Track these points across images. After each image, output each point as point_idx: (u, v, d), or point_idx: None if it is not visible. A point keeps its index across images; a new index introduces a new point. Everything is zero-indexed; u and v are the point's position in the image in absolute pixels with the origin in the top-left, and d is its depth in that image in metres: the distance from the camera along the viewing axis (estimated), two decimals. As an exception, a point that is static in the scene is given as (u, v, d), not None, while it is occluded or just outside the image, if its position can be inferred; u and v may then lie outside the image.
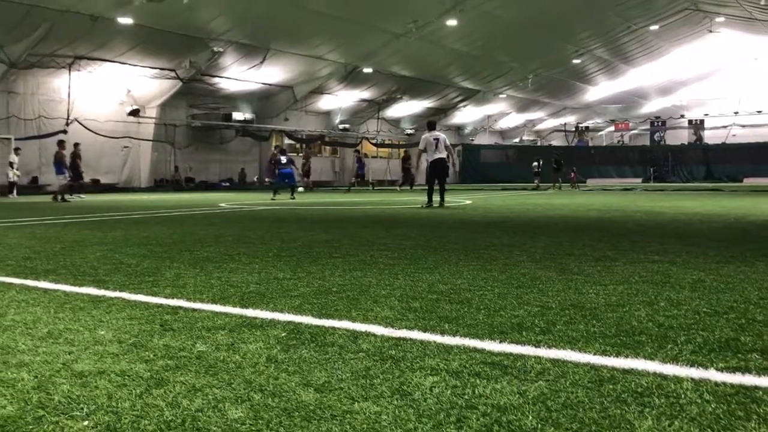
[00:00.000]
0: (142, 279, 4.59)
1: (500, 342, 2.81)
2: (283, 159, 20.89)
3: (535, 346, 2.74)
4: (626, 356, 2.59)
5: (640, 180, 45.05)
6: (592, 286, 4.17)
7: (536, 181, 33.41)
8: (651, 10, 34.30)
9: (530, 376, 2.34)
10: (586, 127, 58.54)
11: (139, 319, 3.31)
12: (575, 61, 41.05)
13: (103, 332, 3.04)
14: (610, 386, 2.23)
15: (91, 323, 3.23)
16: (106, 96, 28.99)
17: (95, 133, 27.72)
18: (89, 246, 6.74)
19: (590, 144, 57.48)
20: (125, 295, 3.99)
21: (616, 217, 11.13)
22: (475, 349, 2.69)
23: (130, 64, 27.47)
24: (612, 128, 58.43)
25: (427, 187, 15.40)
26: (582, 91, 49.91)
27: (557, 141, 58.92)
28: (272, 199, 18.64)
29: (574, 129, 57.84)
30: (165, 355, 2.65)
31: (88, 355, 2.66)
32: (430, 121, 16.64)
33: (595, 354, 2.62)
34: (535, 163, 34.79)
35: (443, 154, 14.89)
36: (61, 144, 21.29)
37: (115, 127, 29.34)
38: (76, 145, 21.93)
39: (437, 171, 15.04)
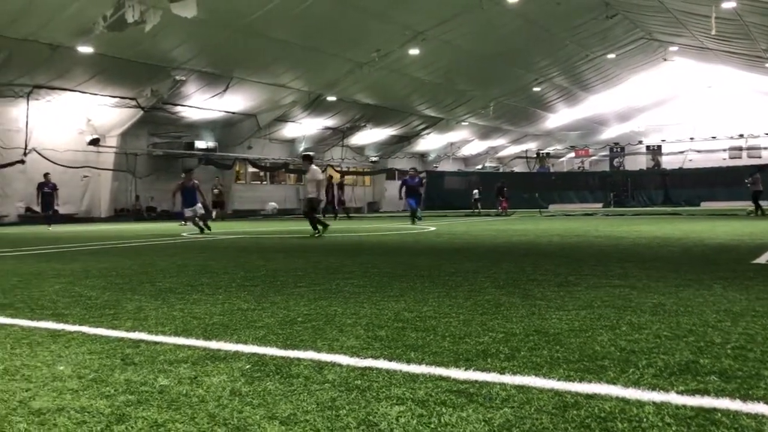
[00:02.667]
0: (102, 312, 4.50)
1: (466, 369, 2.82)
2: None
3: (500, 373, 2.76)
4: (589, 381, 2.62)
5: (600, 205, 45.79)
6: (555, 312, 4.22)
7: (477, 208, 35.84)
8: (607, 40, 35.22)
9: (495, 404, 2.35)
10: (547, 154, 59.51)
11: (100, 354, 3.24)
12: (535, 89, 41.86)
13: (62, 367, 2.97)
14: (574, 412, 2.25)
15: (49, 358, 3.16)
16: (65, 125, 28.55)
17: (54, 162, 27.21)
18: (47, 279, 6.59)
19: (551, 170, 58.41)
20: (85, 328, 3.91)
21: (578, 242, 11.29)
22: (441, 377, 2.70)
23: (90, 93, 27.13)
24: (572, 154, 59.50)
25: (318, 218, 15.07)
26: (542, 118, 50.84)
27: (519, 167, 59.74)
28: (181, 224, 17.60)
29: (535, 155, 58.74)
30: (126, 390, 2.60)
31: (47, 391, 2.60)
32: (305, 154, 15.83)
33: (559, 380, 2.65)
34: (476, 191, 37.84)
35: (315, 191, 14.66)
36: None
37: (75, 156, 28.86)
38: (45, 175, 22.06)
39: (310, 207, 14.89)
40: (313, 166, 15.03)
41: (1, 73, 23.45)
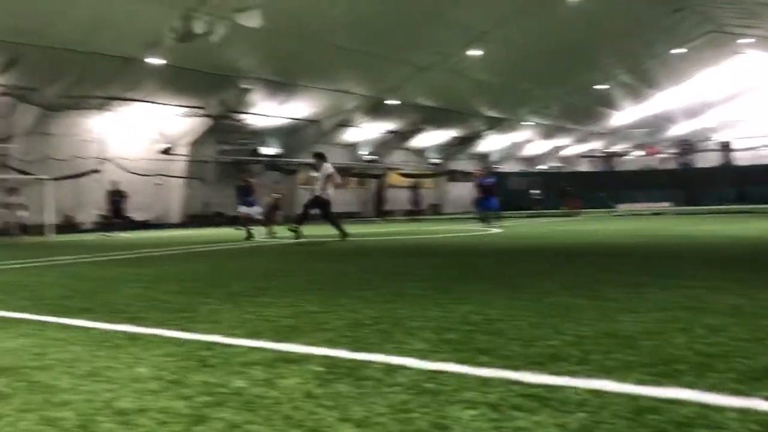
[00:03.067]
0: (177, 315, 4.65)
1: (537, 373, 2.79)
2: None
3: (573, 377, 2.71)
4: (666, 385, 2.55)
5: (670, 204, 44.49)
6: (626, 314, 4.12)
7: (537, 208, 35.93)
8: (674, 34, 34.24)
9: (570, 408, 2.32)
10: (613, 152, 58.19)
11: (177, 356, 3.35)
12: (599, 87, 41.00)
13: (141, 369, 3.08)
14: (651, 416, 2.20)
15: (129, 361, 3.28)
16: (138, 135, 29.61)
17: (128, 171, 28.27)
18: (124, 283, 6.84)
19: (618, 169, 57.06)
20: (162, 331, 4.04)
21: (648, 242, 11.00)
22: (513, 381, 2.68)
23: (161, 103, 28.10)
24: (639, 152, 57.97)
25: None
26: (607, 116, 49.76)
27: (584, 166, 58.63)
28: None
29: (600, 154, 57.51)
30: (204, 391, 2.68)
31: (128, 392, 2.70)
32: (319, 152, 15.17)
33: (633, 383, 2.59)
34: (535, 191, 38.13)
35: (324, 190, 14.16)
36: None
37: (147, 165, 29.91)
38: (114, 183, 23.16)
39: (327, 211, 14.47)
40: (326, 164, 14.27)
41: (76, 87, 24.50)
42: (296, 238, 13.89)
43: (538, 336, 3.55)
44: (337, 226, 14.05)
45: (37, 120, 25.50)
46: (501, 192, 21.23)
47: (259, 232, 17.00)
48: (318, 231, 17.33)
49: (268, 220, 19.06)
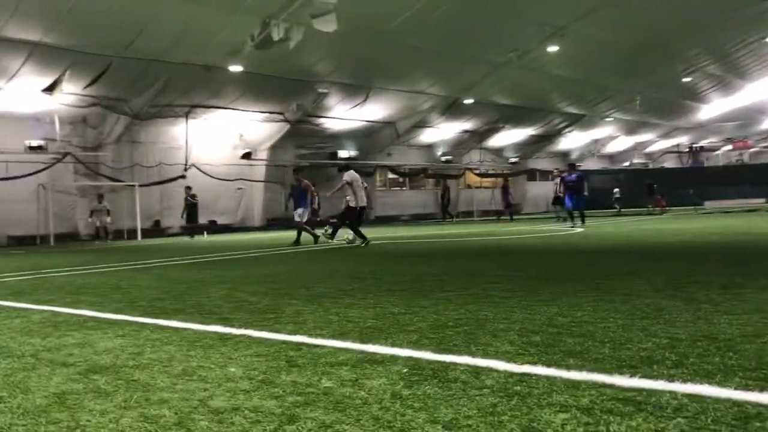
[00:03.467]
0: (264, 316, 4.76)
1: (630, 377, 2.71)
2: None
3: (669, 381, 2.62)
4: (771, 391, 2.42)
5: (763, 200, 42.31)
6: (723, 316, 3.95)
7: (617, 207, 34.65)
8: (766, 22, 32.53)
9: (667, 413, 2.24)
10: (701, 147, 55.86)
11: (266, 356, 3.42)
12: (685, 80, 39.39)
13: (233, 369, 3.17)
14: (758, 424, 2.09)
15: (221, 360, 3.38)
16: (220, 141, 30.50)
17: (211, 176, 29.18)
18: (212, 285, 7.06)
19: (706, 164, 54.74)
20: (250, 332, 4.14)
21: (741, 240, 10.50)
22: (604, 385, 2.61)
23: (241, 110, 28.85)
24: (729, 147, 55.46)
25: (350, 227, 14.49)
26: (694, 110, 47.77)
27: (670, 163, 56.53)
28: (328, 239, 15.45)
29: (687, 150, 55.34)
30: (293, 391, 2.73)
31: (222, 391, 2.78)
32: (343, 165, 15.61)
33: (736, 389, 2.47)
34: (616, 189, 36.62)
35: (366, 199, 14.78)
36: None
37: (229, 170, 30.77)
38: (187, 188, 23.87)
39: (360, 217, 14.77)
40: (352, 172, 14.39)
41: (162, 96, 25.46)
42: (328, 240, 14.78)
43: (629, 339, 3.44)
44: (336, 229, 14.94)
45: (126, 129, 26.67)
46: (586, 189, 20.03)
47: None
48: (400, 233, 17.38)
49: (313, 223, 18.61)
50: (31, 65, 21.22)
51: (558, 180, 25.22)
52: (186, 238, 22.00)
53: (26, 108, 23.69)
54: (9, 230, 24.59)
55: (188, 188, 24.60)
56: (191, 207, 23.73)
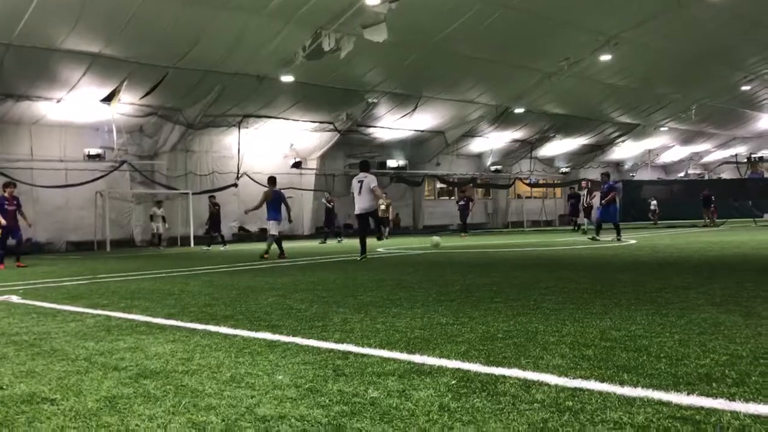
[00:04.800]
0: (312, 324, 4.76)
1: (688, 394, 2.60)
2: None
3: (730, 400, 2.51)
4: (841, 414, 2.30)
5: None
6: (787, 333, 3.78)
7: (654, 219, 35.71)
8: (831, 27, 31.35)
9: (728, 434, 2.14)
10: (760, 158, 54.07)
11: (313, 364, 3.42)
12: (744, 88, 38.22)
13: (280, 377, 3.17)
14: (826, 448, 1.98)
15: (268, 368, 3.38)
16: (271, 150, 30.91)
17: (262, 185, 29.54)
18: (261, 292, 7.12)
19: (766, 175, 52.97)
20: (298, 339, 4.15)
21: (805, 254, 10.10)
22: (661, 402, 2.51)
23: (292, 120, 29.21)
24: (789, 157, 53.54)
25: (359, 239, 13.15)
26: (753, 119, 46.32)
27: (727, 173, 54.89)
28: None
29: (746, 160, 53.65)
30: (340, 400, 2.71)
31: (269, 399, 2.78)
32: (362, 161, 14.04)
33: (802, 410, 2.35)
34: (654, 201, 37.37)
35: (365, 203, 12.74)
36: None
37: (280, 179, 30.87)
38: (211, 197, 24.03)
39: (361, 225, 13.19)
40: (370, 175, 13.00)
41: (215, 106, 25.97)
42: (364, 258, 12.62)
43: (685, 354, 3.32)
44: (363, 244, 12.89)
45: (180, 138, 27.26)
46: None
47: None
48: (448, 243, 17.22)
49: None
50: (90, 76, 21.91)
51: (585, 191, 24.96)
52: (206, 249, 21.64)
53: (85, 118, 24.47)
54: (68, 236, 25.39)
55: (212, 197, 24.54)
56: (214, 216, 23.32)
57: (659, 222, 35.26)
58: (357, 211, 12.93)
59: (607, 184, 18.31)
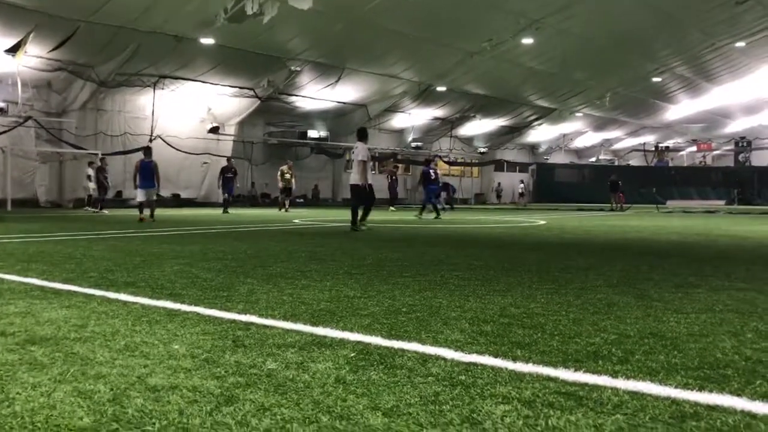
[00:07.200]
0: (216, 294, 4.68)
1: (575, 371, 2.71)
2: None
3: (612, 377, 2.63)
4: (710, 391, 2.45)
5: (723, 202, 43.26)
6: (672, 314, 3.99)
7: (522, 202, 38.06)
8: (736, 27, 33.00)
9: (606, 409, 2.24)
10: (666, 147, 56.79)
11: (212, 335, 3.36)
12: (655, 79, 39.89)
13: (177, 346, 3.10)
14: (693, 423, 2.11)
15: (166, 337, 3.30)
16: (187, 113, 30.04)
17: (176, 149, 28.73)
18: (167, 260, 6.93)
19: (670, 164, 55.70)
20: (200, 309, 4.07)
21: (699, 241, 10.69)
22: (549, 378, 2.61)
23: (211, 83, 28.42)
24: (694, 148, 56.50)
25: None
26: (662, 110, 48.47)
27: (636, 161, 57.37)
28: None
29: (653, 149, 56.19)
30: (236, 371, 2.68)
31: (162, 369, 2.71)
32: (359, 128, 13.28)
33: (676, 387, 2.49)
34: (522, 185, 40.36)
35: (354, 175, 12.52)
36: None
37: (196, 143, 30.34)
38: (101, 159, 23.58)
39: (352, 197, 12.90)
40: (362, 144, 12.49)
41: (130, 64, 24.95)
42: (356, 229, 12.32)
43: (578, 332, 3.46)
44: (354, 217, 12.59)
45: (91, 96, 26.08)
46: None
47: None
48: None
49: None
50: (-7, 24, 20.60)
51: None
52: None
53: (-13, 68, 23.02)
54: (-36, 193, 23.96)
55: (229, 159, 24.51)
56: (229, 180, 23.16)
57: (528, 205, 38.08)
58: (350, 181, 12.87)
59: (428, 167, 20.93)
